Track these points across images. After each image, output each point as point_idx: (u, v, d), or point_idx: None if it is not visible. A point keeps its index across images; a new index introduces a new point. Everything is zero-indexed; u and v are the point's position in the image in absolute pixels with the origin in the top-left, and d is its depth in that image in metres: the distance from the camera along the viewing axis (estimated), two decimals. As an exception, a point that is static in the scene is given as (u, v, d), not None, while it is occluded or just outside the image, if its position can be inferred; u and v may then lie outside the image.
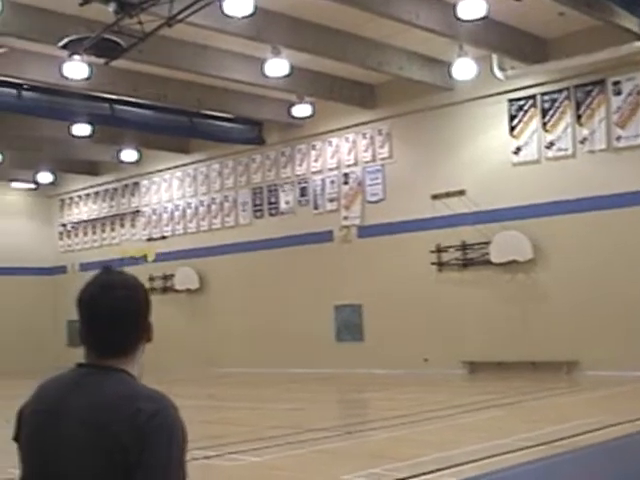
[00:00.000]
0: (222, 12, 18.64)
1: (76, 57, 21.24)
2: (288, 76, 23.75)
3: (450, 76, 24.76)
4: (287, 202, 31.79)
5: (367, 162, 29.28)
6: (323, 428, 15.03)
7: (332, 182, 30.25)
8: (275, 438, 14.07)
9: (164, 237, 36.40)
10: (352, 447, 13.26)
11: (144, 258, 36.39)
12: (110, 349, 2.52)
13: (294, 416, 17.64)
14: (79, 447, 2.34)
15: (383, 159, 28.87)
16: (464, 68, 24.07)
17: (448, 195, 26.69)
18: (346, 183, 29.83)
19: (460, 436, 13.40)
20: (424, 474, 10.19)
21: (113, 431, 2.29)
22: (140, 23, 18.12)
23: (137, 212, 37.84)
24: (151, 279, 35.98)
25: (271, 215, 32.39)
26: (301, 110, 28.48)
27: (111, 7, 17.41)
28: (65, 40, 19.43)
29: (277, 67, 23.07)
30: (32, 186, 40.29)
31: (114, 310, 2.49)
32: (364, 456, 12.28)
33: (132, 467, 2.27)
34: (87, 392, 2.42)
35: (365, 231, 29.26)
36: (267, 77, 23.65)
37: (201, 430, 16.05)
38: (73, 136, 30.20)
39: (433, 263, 27.08)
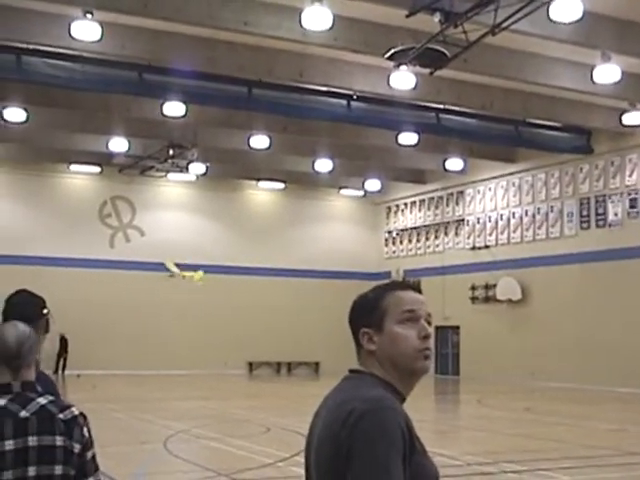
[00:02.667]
0: (549, 18, 18.25)
1: (402, 67, 21.70)
2: (619, 82, 22.85)
3: None
4: (616, 214, 30.60)
5: None
6: (643, 452, 14.27)
7: (665, 193, 28.79)
8: (590, 458, 13.56)
9: (487, 246, 36.28)
10: (673, 475, 12.47)
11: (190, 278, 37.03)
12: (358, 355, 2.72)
13: (614, 437, 16.88)
14: (319, 444, 2.53)
15: None
16: None
17: None
18: (680, 194, 28.27)
19: None
20: None
21: (334, 430, 2.45)
22: (464, 32, 18.12)
23: (461, 221, 38.00)
24: (473, 288, 36.13)
25: (598, 227, 31.31)
26: (633, 118, 27.24)
27: (436, 17, 17.59)
28: (391, 51, 19.87)
29: (607, 73, 22.31)
30: (360, 193, 41.71)
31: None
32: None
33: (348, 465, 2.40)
34: (336, 394, 2.60)
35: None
36: (596, 84, 22.90)
37: (512, 443, 15.84)
38: (400, 145, 30.87)
39: None
